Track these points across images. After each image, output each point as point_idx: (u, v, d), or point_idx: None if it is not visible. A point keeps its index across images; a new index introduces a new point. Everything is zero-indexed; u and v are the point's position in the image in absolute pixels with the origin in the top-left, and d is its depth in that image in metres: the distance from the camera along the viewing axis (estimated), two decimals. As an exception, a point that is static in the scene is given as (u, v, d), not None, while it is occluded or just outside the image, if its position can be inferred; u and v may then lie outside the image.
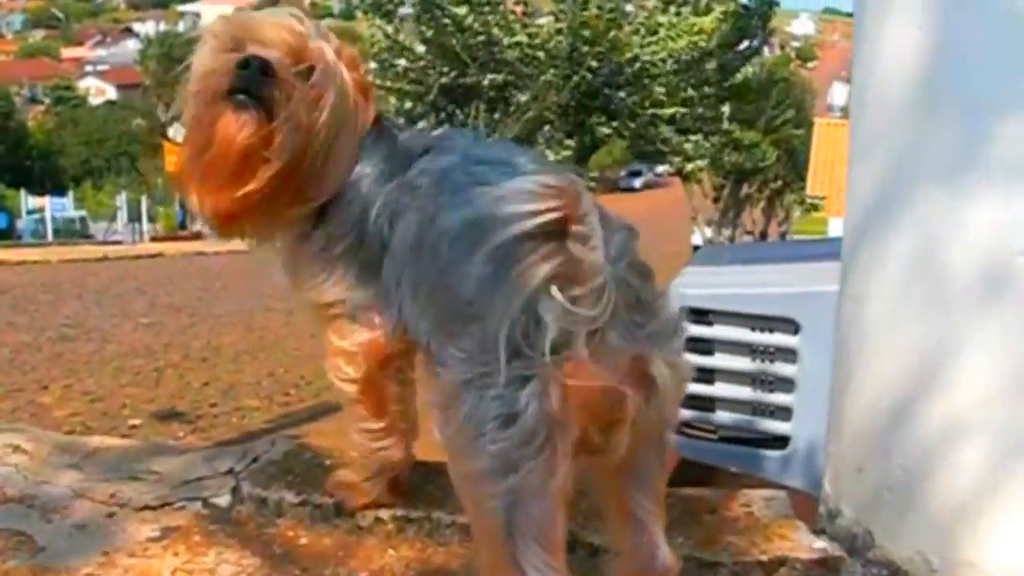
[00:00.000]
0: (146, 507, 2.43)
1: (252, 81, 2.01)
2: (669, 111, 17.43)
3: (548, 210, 1.47)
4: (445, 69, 16.49)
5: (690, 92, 17.76)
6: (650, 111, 17.38)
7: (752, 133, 27.12)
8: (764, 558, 2.17)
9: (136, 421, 6.48)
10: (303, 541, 2.29)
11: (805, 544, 2.23)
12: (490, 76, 16.36)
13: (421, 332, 1.85)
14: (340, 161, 2.13)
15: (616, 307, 1.54)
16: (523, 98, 16.51)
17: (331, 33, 2.22)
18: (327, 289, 2.15)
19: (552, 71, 16.33)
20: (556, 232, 1.48)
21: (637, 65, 16.89)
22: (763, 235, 32.83)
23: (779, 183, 33.89)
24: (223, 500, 2.45)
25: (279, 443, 2.74)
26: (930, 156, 2.04)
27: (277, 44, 2.06)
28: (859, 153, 2.27)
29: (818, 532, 2.32)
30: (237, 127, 2.02)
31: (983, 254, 1.93)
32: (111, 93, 74.17)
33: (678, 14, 17.67)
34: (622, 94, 17.00)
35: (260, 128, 2.01)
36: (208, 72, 2.07)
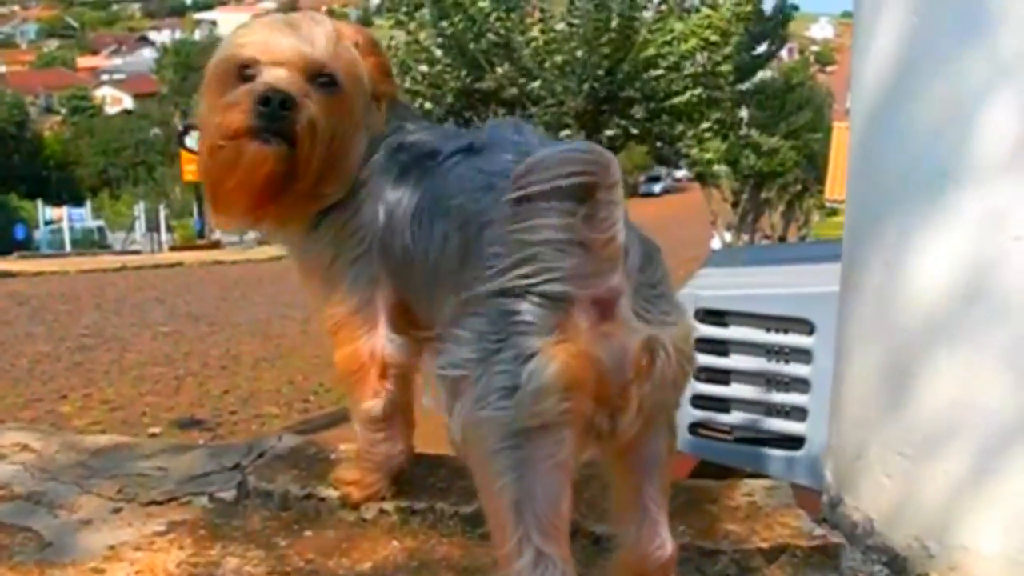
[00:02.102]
0: (152, 502, 2.45)
1: (274, 118, 2.02)
2: (684, 99, 17.34)
3: (575, 173, 1.47)
4: (463, 73, 16.50)
5: (706, 95, 17.68)
6: (667, 106, 17.31)
7: (771, 137, 27.08)
8: (765, 545, 2.17)
9: (156, 429, 6.53)
10: (308, 534, 2.30)
11: (806, 532, 2.23)
12: (508, 81, 16.37)
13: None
14: (357, 154, 2.16)
15: (628, 286, 1.56)
16: (541, 101, 16.48)
17: (347, 24, 2.23)
18: (336, 288, 2.18)
19: (569, 77, 16.31)
20: (581, 197, 1.48)
21: (654, 71, 16.84)
22: (782, 239, 32.72)
23: (798, 187, 33.77)
24: (229, 495, 2.47)
25: (285, 438, 2.76)
26: (922, 143, 2.04)
27: (294, 62, 2.06)
28: (858, 141, 2.28)
29: (820, 521, 2.32)
30: (261, 162, 2.04)
31: (975, 239, 1.93)
32: (127, 102, 74.38)
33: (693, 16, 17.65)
34: (637, 94, 16.95)
35: (285, 160, 2.04)
36: (226, 106, 2.06)
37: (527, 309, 1.51)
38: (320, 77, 2.08)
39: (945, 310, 1.98)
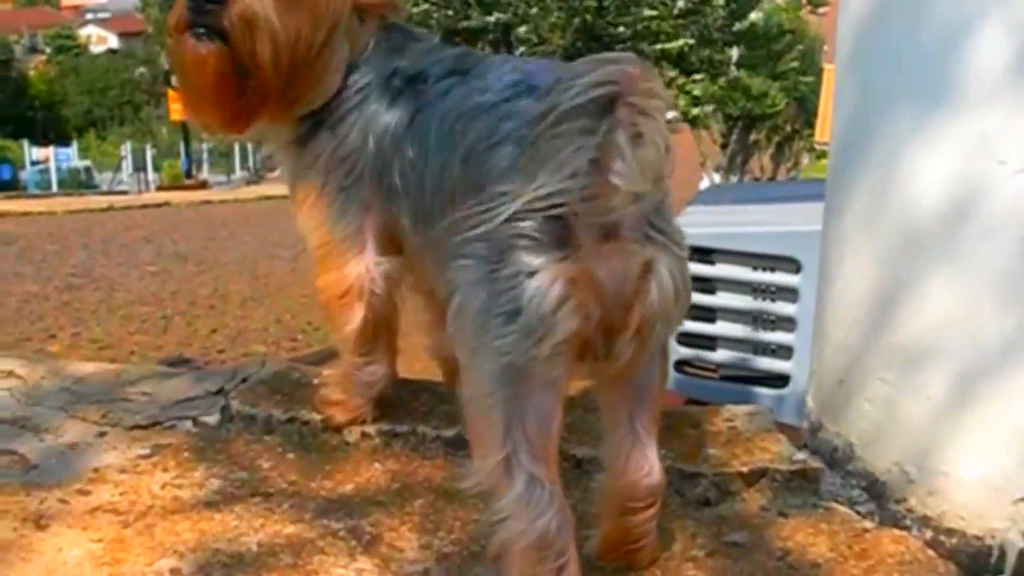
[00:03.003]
0: (137, 426, 2.46)
1: (200, 11, 2.03)
2: (675, 46, 17.24)
3: (596, 86, 1.44)
4: (448, 12, 16.40)
5: (697, 35, 17.58)
6: (657, 47, 17.20)
7: (760, 79, 26.96)
8: (744, 469, 2.19)
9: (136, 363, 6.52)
10: (290, 456, 2.31)
11: (786, 456, 2.25)
12: (494, 16, 16.25)
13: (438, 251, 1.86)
14: (333, 61, 2.15)
15: (633, 208, 1.55)
16: (527, 38, 16.39)
17: None
18: (326, 214, 2.18)
19: (556, 13, 16.21)
20: (602, 113, 1.45)
21: (642, 6, 16.74)
22: (771, 181, 32.70)
23: (788, 129, 33.71)
24: (212, 419, 2.48)
25: (268, 364, 2.77)
26: (907, 71, 2.03)
27: None
28: (842, 70, 2.27)
29: (800, 446, 2.34)
30: (197, 57, 2.06)
31: (960, 166, 1.93)
32: (113, 41, 73.38)
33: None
34: (627, 32, 16.84)
35: (223, 57, 2.05)
36: (173, 7, 2.08)
37: (529, 229, 1.51)
38: None
39: (929, 235, 1.98)
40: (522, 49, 16.39)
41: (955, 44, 1.92)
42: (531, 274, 1.50)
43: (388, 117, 2.09)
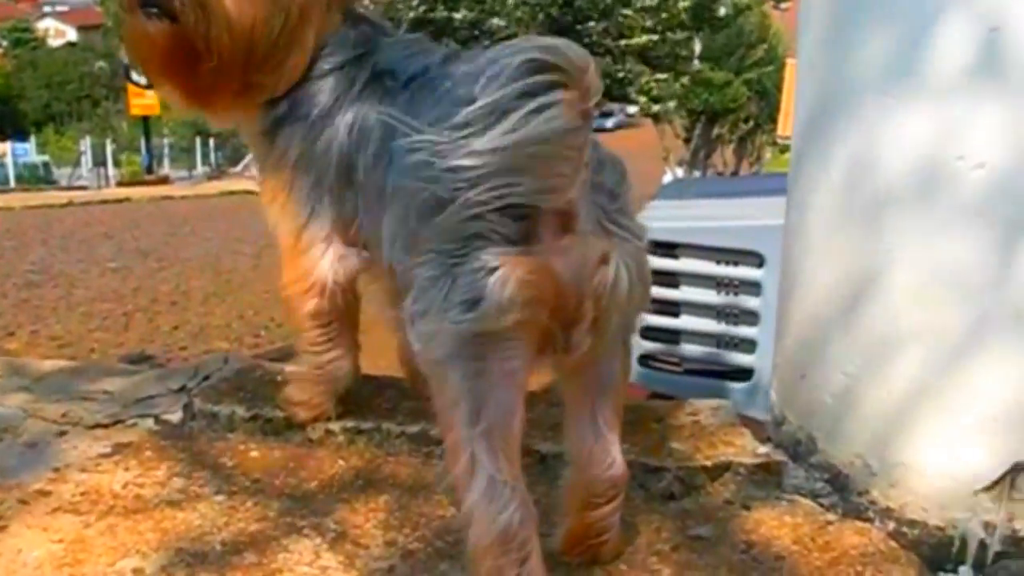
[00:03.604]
0: (98, 425, 2.44)
1: None
2: (640, 41, 17.28)
3: (539, 71, 1.42)
4: (415, 3, 16.38)
5: (661, 34, 17.63)
6: (621, 42, 17.24)
7: (723, 73, 27.05)
8: (708, 463, 2.20)
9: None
10: (254, 454, 2.30)
11: (749, 450, 2.26)
12: (461, 11, 16.25)
13: (397, 246, 1.85)
14: (297, 46, 2.14)
15: (588, 199, 1.56)
16: (496, 33, 16.40)
17: None
18: (291, 206, 2.18)
19: (523, 7, 16.23)
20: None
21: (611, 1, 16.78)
22: (734, 175, 32.82)
23: (751, 123, 33.80)
24: (175, 416, 2.47)
25: (231, 361, 2.76)
26: (870, 64, 2.04)
27: None
28: (805, 63, 2.28)
29: (764, 440, 2.35)
30: (144, 36, 2.07)
31: (921, 160, 1.94)
32: (71, 35, 72.84)
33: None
34: (594, 25, 16.87)
35: (172, 36, 2.05)
36: None
37: (487, 223, 1.50)
38: None
39: (890, 229, 1.99)
40: (488, 42, 16.38)
41: (915, 40, 1.93)
42: (491, 270, 1.50)
43: (356, 112, 2.08)
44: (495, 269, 1.50)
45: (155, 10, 2.03)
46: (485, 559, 1.59)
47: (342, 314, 2.23)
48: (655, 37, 17.64)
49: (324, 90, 2.14)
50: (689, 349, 4.03)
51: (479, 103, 1.44)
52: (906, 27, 1.96)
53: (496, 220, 1.50)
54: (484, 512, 1.57)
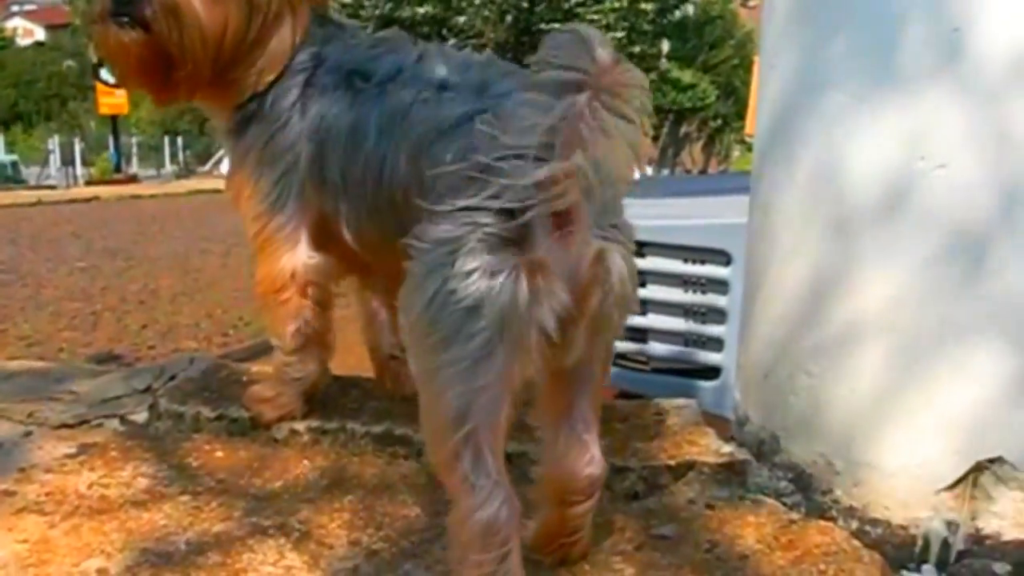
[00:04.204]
0: (63, 425, 2.44)
1: (123, 2, 2.05)
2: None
3: (561, 66, 1.44)
4: (380, 1, 16.35)
5: (627, 34, 17.63)
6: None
7: (691, 72, 27.12)
8: (672, 463, 2.21)
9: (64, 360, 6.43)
10: (219, 454, 2.30)
11: (713, 449, 2.27)
12: (424, 8, 16.24)
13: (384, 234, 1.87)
14: (272, 46, 2.16)
15: (584, 200, 1.55)
16: (461, 33, 16.39)
17: None
18: (261, 206, 2.18)
19: (489, 7, 16.21)
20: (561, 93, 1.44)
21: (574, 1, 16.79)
22: (702, 174, 32.91)
23: (718, 122, 33.95)
24: (140, 417, 2.47)
25: (197, 361, 2.75)
26: (832, 64, 2.05)
27: None
28: (768, 62, 2.29)
29: (728, 439, 2.36)
30: (117, 46, 2.09)
31: (883, 162, 1.95)
32: (40, 34, 72.30)
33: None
34: (559, 27, 16.89)
35: (145, 46, 2.07)
36: None
37: (485, 222, 1.50)
38: None
39: (856, 231, 2.00)
40: (453, 41, 16.36)
41: (878, 41, 1.95)
42: (493, 272, 1.49)
43: (325, 111, 2.09)
44: (497, 272, 1.50)
45: (126, 19, 2.04)
46: (464, 551, 1.59)
47: (315, 311, 2.23)
48: (620, 35, 17.64)
49: (291, 89, 2.14)
50: (657, 348, 4.05)
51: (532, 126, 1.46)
52: (866, 30, 1.98)
53: (494, 220, 1.50)
54: (468, 504, 1.57)
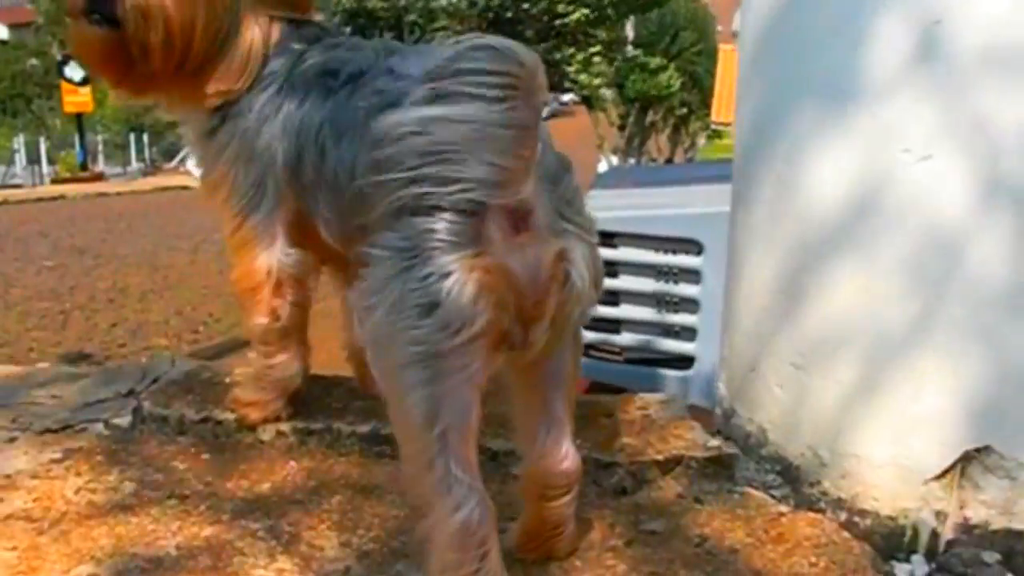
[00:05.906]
0: (47, 430, 2.43)
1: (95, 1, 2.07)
2: (572, 19, 17.30)
3: (495, 72, 1.44)
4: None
5: (593, 15, 17.66)
6: (556, 25, 17.28)
7: (656, 58, 27.17)
8: (660, 457, 2.21)
9: (44, 365, 6.39)
10: (205, 457, 2.29)
11: (700, 443, 2.27)
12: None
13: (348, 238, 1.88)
14: (245, 44, 2.16)
15: (541, 197, 1.57)
16: (429, 24, 16.38)
17: None
18: (236, 205, 2.18)
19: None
20: (499, 98, 1.45)
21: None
22: (669, 162, 32.96)
23: (684, 110, 33.98)
24: (124, 420, 2.46)
25: (179, 363, 2.74)
26: (811, 63, 2.06)
27: None
28: (747, 62, 2.30)
29: (714, 433, 2.37)
30: (88, 42, 2.13)
31: (867, 153, 1.96)
32: (2, 33, 71.88)
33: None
34: (522, 15, 16.89)
35: (114, 42, 2.09)
36: None
37: (440, 223, 1.49)
38: None
39: (837, 223, 2.01)
40: (416, 34, 16.37)
41: (857, 35, 1.95)
42: (446, 274, 1.49)
43: (298, 111, 2.09)
44: (450, 273, 1.49)
45: (99, 17, 2.07)
46: (442, 554, 1.58)
47: (291, 311, 2.23)
48: (587, 11, 17.67)
49: (268, 89, 2.14)
50: (629, 338, 4.06)
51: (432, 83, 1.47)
52: (844, 25, 1.98)
53: (447, 219, 1.49)
54: (442, 506, 1.56)
